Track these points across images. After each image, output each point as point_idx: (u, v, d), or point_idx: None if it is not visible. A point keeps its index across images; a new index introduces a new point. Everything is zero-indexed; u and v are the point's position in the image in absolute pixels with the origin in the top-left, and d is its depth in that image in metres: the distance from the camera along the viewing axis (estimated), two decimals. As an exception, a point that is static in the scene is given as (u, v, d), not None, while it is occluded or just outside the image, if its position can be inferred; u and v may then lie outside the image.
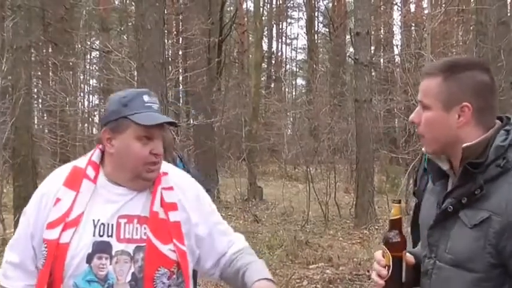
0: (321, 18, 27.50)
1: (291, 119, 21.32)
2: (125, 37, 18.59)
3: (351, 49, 15.07)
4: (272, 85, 27.31)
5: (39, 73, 16.75)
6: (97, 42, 20.08)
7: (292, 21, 32.35)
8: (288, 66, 32.39)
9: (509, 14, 10.37)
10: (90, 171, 1.69)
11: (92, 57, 22.78)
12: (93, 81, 22.77)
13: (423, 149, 1.57)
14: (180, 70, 14.10)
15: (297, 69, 32.32)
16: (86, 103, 22.37)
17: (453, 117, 1.45)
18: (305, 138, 15.22)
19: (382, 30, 17.75)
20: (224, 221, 1.86)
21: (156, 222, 1.64)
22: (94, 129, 17.82)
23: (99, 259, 1.59)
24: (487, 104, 1.46)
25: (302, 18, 29.06)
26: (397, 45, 17.19)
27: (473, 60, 1.59)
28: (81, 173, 1.69)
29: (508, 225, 1.34)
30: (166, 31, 10.87)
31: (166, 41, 9.68)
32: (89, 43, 20.05)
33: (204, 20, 12.44)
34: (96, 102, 22.30)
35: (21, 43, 10.65)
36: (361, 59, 9.74)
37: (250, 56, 20.85)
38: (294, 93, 30.81)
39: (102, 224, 1.62)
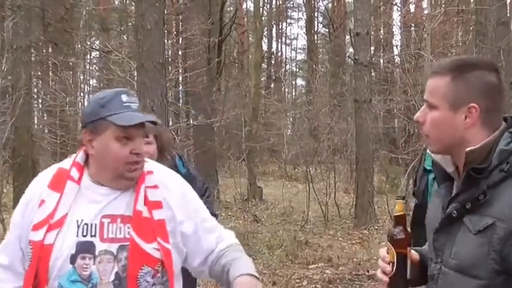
0: (320, 19, 27.53)
1: (291, 119, 21.33)
2: (124, 37, 18.59)
3: (351, 49, 15.07)
4: (272, 85, 27.31)
5: (39, 73, 16.74)
6: (97, 42, 20.09)
7: (292, 21, 32.40)
8: (287, 67, 32.42)
9: (508, 15, 10.38)
10: (74, 173, 1.70)
11: (91, 57, 22.78)
12: (93, 81, 22.75)
13: (428, 150, 1.54)
14: (180, 70, 14.10)
15: (297, 70, 32.36)
16: (86, 103, 22.32)
17: (460, 117, 1.43)
18: (305, 138, 15.23)
19: (381, 31, 17.74)
20: (213, 218, 1.84)
21: (140, 221, 1.64)
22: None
23: (83, 259, 1.60)
24: (494, 105, 1.43)
25: (302, 19, 29.12)
26: (396, 46, 17.21)
27: (481, 60, 1.57)
28: (65, 174, 1.71)
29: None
30: (166, 31, 10.88)
31: (166, 41, 9.69)
32: (89, 43, 20.05)
33: (204, 20, 12.44)
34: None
35: (21, 43, 10.66)
36: (361, 60, 9.75)
37: (250, 56, 20.84)
38: (293, 93, 30.83)
39: (86, 224, 1.63)
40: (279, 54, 30.84)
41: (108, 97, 1.66)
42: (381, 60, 16.87)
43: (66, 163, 1.75)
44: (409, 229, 1.58)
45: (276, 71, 27.52)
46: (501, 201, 1.36)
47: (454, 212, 1.43)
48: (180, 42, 14.46)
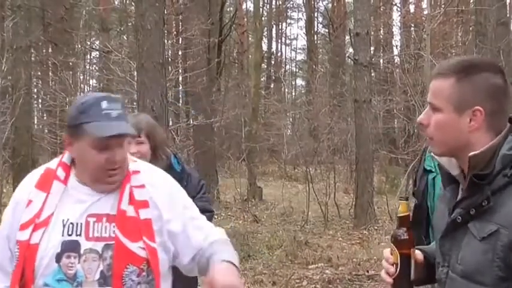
0: (320, 19, 27.54)
1: (291, 119, 21.33)
2: (124, 37, 18.60)
3: (351, 50, 15.07)
4: (272, 85, 27.31)
5: (39, 73, 16.75)
6: (97, 42, 20.09)
7: (292, 21, 32.42)
8: (287, 67, 32.42)
9: (508, 15, 10.38)
10: (61, 173, 1.71)
11: (91, 57, 22.79)
12: (93, 82, 22.76)
13: (432, 152, 1.53)
14: (180, 70, 14.10)
15: (297, 70, 32.37)
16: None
17: (465, 121, 1.40)
18: (305, 138, 15.23)
19: (381, 31, 17.76)
20: (202, 216, 1.83)
21: (124, 220, 1.64)
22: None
23: (68, 258, 1.61)
24: (499, 107, 1.41)
25: (302, 19, 29.13)
26: (396, 46, 17.22)
27: (487, 61, 1.53)
28: (52, 174, 1.72)
29: None
30: (166, 31, 10.88)
31: (166, 41, 9.69)
32: (88, 43, 20.06)
33: (203, 20, 12.44)
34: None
35: (21, 43, 10.67)
36: (361, 60, 9.75)
37: (250, 56, 20.85)
38: (293, 93, 30.85)
39: (71, 223, 1.64)
40: (279, 54, 30.87)
41: (88, 103, 1.64)
42: (381, 61, 16.89)
43: (53, 163, 1.76)
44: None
45: (275, 71, 27.52)
46: (505, 207, 1.34)
47: (459, 217, 1.41)
48: (180, 42, 14.46)
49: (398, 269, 1.53)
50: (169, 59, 12.43)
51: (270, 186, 14.54)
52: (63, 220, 1.64)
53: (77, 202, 1.67)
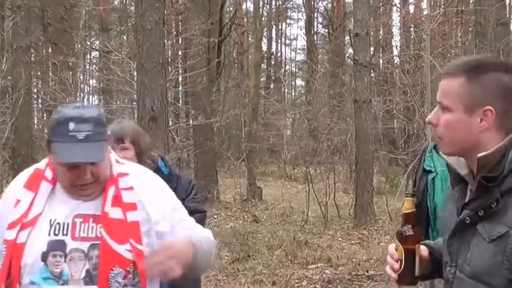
0: (320, 19, 27.56)
1: (291, 119, 21.34)
2: (124, 37, 18.61)
3: (350, 50, 15.09)
4: (271, 86, 27.32)
5: (39, 73, 16.76)
6: (97, 42, 20.10)
7: (292, 22, 32.46)
8: (287, 67, 32.44)
9: (508, 15, 10.39)
10: (49, 173, 1.72)
11: (91, 57, 22.80)
12: (93, 82, 22.78)
13: (441, 152, 1.52)
14: (180, 70, 14.11)
15: (297, 70, 32.39)
16: (86, 103, 22.35)
17: (475, 121, 1.39)
18: (304, 138, 15.24)
19: (381, 31, 17.76)
20: (191, 218, 1.84)
21: (110, 222, 1.65)
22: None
23: (54, 257, 1.62)
24: (510, 107, 1.40)
25: (301, 19, 29.15)
26: (396, 46, 17.24)
27: (497, 60, 1.50)
28: (40, 174, 1.73)
29: None
30: (166, 31, 10.88)
31: (166, 41, 9.69)
32: (88, 43, 20.06)
33: (203, 20, 12.45)
34: (96, 102, 22.31)
35: (21, 43, 10.68)
36: (361, 60, 9.75)
37: (250, 56, 20.85)
38: (293, 93, 30.86)
39: (58, 223, 1.65)
40: (279, 54, 30.88)
41: (58, 121, 1.63)
42: (381, 61, 16.89)
43: (42, 163, 1.77)
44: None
45: (275, 71, 27.53)
46: None
47: (468, 218, 1.40)
48: (180, 42, 14.47)
49: (403, 265, 1.54)
50: (169, 59, 12.44)
51: (269, 186, 14.54)
52: (50, 220, 1.66)
53: (65, 203, 1.68)
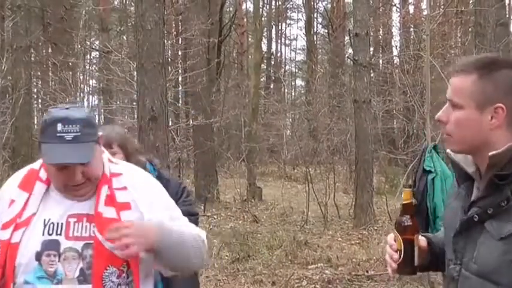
0: (320, 19, 27.56)
1: (290, 119, 21.35)
2: (124, 37, 18.62)
3: (350, 50, 15.08)
4: (271, 86, 27.32)
5: (39, 73, 16.77)
6: (97, 42, 20.09)
7: (292, 22, 32.46)
8: (287, 67, 32.45)
9: (507, 16, 10.40)
10: (43, 173, 1.73)
11: (91, 57, 22.81)
12: (92, 82, 22.79)
13: (448, 149, 1.52)
14: (180, 70, 14.11)
15: (296, 70, 32.39)
16: (86, 103, 22.37)
17: (486, 118, 1.39)
18: (304, 138, 15.24)
19: (381, 32, 17.76)
20: (184, 217, 1.85)
21: (103, 221, 1.66)
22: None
23: (48, 256, 1.63)
24: None
25: (301, 19, 29.15)
26: (396, 47, 17.25)
27: (509, 59, 1.51)
28: (35, 174, 1.74)
29: None
30: (166, 31, 10.88)
31: (166, 41, 9.70)
32: (88, 43, 20.06)
33: (203, 20, 12.46)
34: (96, 102, 22.33)
35: (21, 43, 10.69)
36: (360, 60, 9.76)
37: (250, 56, 20.86)
38: (293, 93, 30.86)
39: (52, 223, 1.66)
40: (279, 54, 30.89)
41: (46, 122, 1.64)
42: (380, 61, 16.90)
43: (37, 164, 1.78)
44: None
45: (275, 71, 27.54)
46: None
47: (476, 216, 1.40)
48: (180, 42, 14.48)
49: (402, 255, 1.55)
50: (169, 59, 12.44)
51: (269, 187, 14.54)
52: (44, 220, 1.67)
53: (59, 202, 1.70)
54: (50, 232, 1.65)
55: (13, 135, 9.89)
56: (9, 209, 1.69)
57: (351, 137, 12.32)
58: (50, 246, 1.64)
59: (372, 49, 14.53)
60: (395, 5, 17.91)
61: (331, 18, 22.37)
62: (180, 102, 16.23)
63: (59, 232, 1.65)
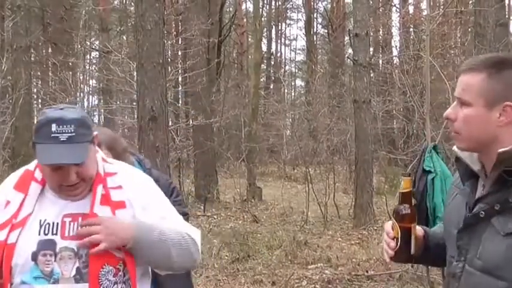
0: (320, 20, 27.58)
1: (290, 119, 21.37)
2: (124, 37, 18.62)
3: (350, 50, 15.09)
4: (271, 86, 27.33)
5: (39, 73, 16.77)
6: (97, 42, 20.10)
7: (291, 22, 32.48)
8: (287, 67, 32.48)
9: (507, 16, 10.40)
10: (38, 174, 1.74)
11: (91, 57, 22.83)
12: (92, 82, 22.81)
13: (454, 147, 1.54)
14: (180, 71, 14.11)
15: (296, 70, 32.41)
16: (86, 103, 22.38)
17: (494, 115, 1.42)
18: (304, 139, 15.24)
19: (381, 32, 17.77)
20: (179, 216, 1.85)
21: None
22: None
23: (44, 256, 1.64)
24: None
25: (301, 20, 29.17)
26: (395, 47, 17.25)
27: None
28: (30, 175, 1.75)
29: None
30: (165, 31, 10.88)
31: (165, 41, 9.70)
32: (88, 43, 20.07)
33: (203, 20, 12.47)
34: (96, 102, 22.34)
35: (21, 43, 10.69)
36: (360, 60, 9.76)
37: (250, 56, 20.88)
38: (293, 94, 30.88)
39: (48, 223, 1.67)
40: (278, 55, 30.90)
41: (41, 123, 1.65)
42: (380, 61, 16.90)
43: (32, 165, 1.79)
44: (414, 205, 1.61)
45: (275, 71, 27.56)
46: None
47: (482, 212, 1.42)
48: (180, 42, 14.48)
49: (398, 243, 1.56)
50: (169, 59, 12.44)
51: (269, 187, 14.54)
52: (40, 220, 1.68)
53: (54, 202, 1.71)
54: (46, 232, 1.66)
55: (13, 135, 9.89)
56: (5, 210, 1.69)
57: (350, 137, 12.33)
58: (46, 246, 1.64)
59: (371, 49, 14.54)
60: (395, 5, 17.94)
61: (331, 19, 22.38)
62: (180, 102, 16.23)
63: (54, 232, 1.66)
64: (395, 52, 16.38)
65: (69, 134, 1.62)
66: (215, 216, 10.61)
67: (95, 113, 18.57)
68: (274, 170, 18.66)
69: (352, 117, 11.72)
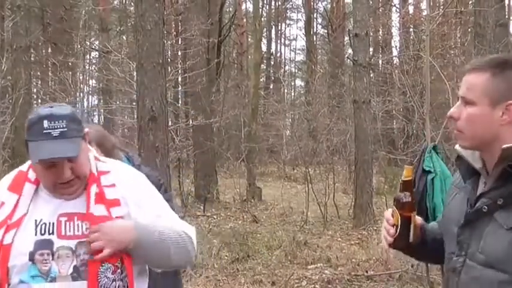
0: (319, 20, 27.58)
1: (290, 120, 21.37)
2: (124, 37, 18.62)
3: (350, 50, 15.09)
4: (271, 86, 27.33)
5: (39, 73, 16.77)
6: (96, 42, 20.10)
7: (291, 22, 32.48)
8: (286, 67, 32.48)
9: (507, 16, 10.40)
10: (32, 174, 1.74)
11: (91, 57, 22.82)
12: (92, 82, 22.80)
13: (456, 146, 1.56)
14: (180, 71, 14.11)
15: (296, 70, 32.41)
16: (86, 103, 22.38)
17: (497, 114, 1.45)
18: (304, 139, 15.24)
19: (380, 32, 17.78)
20: (174, 214, 1.86)
21: (95, 220, 1.67)
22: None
23: (41, 255, 1.64)
24: None
25: (301, 20, 29.18)
26: (395, 47, 17.26)
27: None
28: (23, 176, 1.75)
29: None
30: (165, 31, 10.88)
31: (165, 41, 9.70)
32: (88, 43, 20.08)
33: (203, 20, 12.47)
34: (96, 102, 22.34)
35: (21, 43, 10.69)
36: (360, 60, 9.77)
37: (250, 57, 20.87)
38: (292, 94, 30.88)
39: (44, 223, 1.67)
40: (278, 55, 30.90)
41: (32, 121, 1.65)
42: (380, 61, 16.90)
43: (25, 166, 1.79)
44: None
45: (275, 71, 27.56)
46: None
47: (485, 207, 1.44)
48: (180, 42, 14.48)
49: (398, 230, 1.57)
50: (169, 60, 12.44)
51: (269, 187, 14.55)
52: (36, 220, 1.68)
53: (49, 202, 1.71)
54: (42, 232, 1.66)
55: (13, 135, 9.88)
56: (0, 212, 1.70)
57: (350, 138, 12.33)
58: (43, 245, 1.65)
59: (371, 49, 14.54)
60: (395, 5, 17.95)
61: (330, 19, 22.38)
62: (180, 102, 16.23)
63: (51, 231, 1.66)
64: (395, 52, 16.40)
65: (61, 129, 1.63)
66: (215, 216, 10.61)
67: (94, 113, 18.60)
68: (274, 170, 18.66)
69: (352, 117, 11.72)
